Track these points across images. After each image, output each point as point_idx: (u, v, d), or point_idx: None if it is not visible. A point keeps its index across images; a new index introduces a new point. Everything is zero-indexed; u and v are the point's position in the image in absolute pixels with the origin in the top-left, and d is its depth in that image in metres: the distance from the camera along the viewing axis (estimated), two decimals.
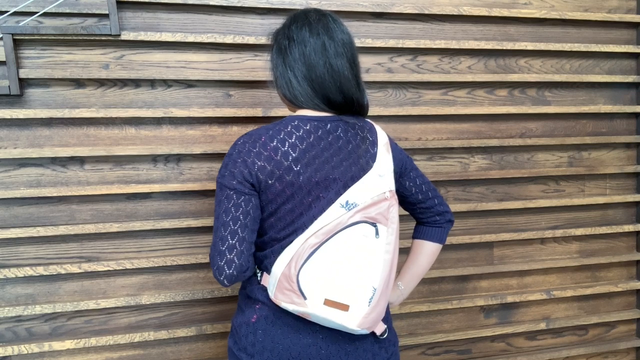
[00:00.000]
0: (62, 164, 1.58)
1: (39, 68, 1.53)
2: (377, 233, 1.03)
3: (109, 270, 1.62)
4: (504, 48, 1.83)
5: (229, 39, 1.62)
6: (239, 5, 1.61)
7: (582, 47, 1.90)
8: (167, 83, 1.62)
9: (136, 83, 1.60)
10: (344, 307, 0.99)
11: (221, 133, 1.67)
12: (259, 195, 1.04)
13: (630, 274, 2.10)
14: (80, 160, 1.59)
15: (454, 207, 1.82)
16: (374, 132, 1.12)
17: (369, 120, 1.15)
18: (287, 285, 1.00)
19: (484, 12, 1.80)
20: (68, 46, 1.55)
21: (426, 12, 1.75)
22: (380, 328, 1.10)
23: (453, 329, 1.94)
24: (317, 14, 1.08)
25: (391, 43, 1.73)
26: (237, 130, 1.67)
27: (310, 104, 1.07)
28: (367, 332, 1.04)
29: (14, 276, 1.54)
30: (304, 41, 1.04)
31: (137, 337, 1.64)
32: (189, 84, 1.64)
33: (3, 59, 1.47)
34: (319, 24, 1.06)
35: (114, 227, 1.58)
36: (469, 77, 1.81)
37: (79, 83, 1.57)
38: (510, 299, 1.94)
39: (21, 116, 1.50)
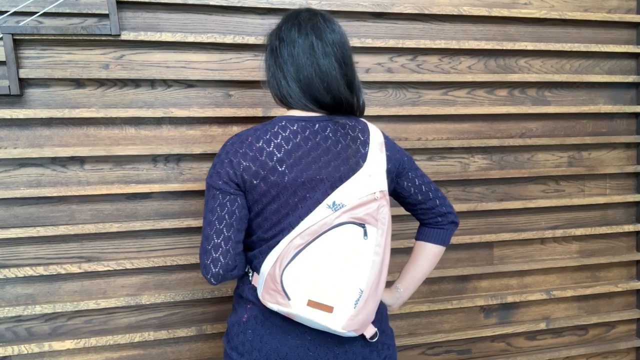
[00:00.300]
0: (62, 164, 1.58)
1: (39, 68, 1.53)
2: (365, 234, 1.01)
3: (109, 270, 1.62)
4: (504, 48, 1.83)
5: (229, 39, 1.62)
6: (239, 5, 1.62)
7: (582, 47, 1.90)
8: (167, 83, 1.62)
9: (136, 83, 1.60)
10: (328, 309, 0.99)
11: (221, 133, 1.67)
12: (245, 195, 1.05)
13: (630, 274, 2.10)
14: (80, 160, 1.59)
15: (454, 207, 1.82)
16: (365, 132, 1.10)
17: (363, 119, 1.14)
18: (272, 285, 1.01)
19: (484, 12, 1.80)
20: (68, 46, 1.55)
21: (426, 12, 1.75)
22: (370, 331, 1.08)
23: (453, 329, 1.94)
24: (307, 14, 1.08)
25: (391, 43, 1.73)
26: (237, 130, 1.67)
27: (300, 104, 1.07)
28: (356, 334, 1.03)
29: (14, 276, 1.54)
30: (292, 42, 1.05)
31: (137, 337, 1.64)
32: (189, 84, 1.64)
33: (3, 59, 1.47)
34: (308, 24, 1.06)
35: (114, 227, 1.58)
36: (469, 77, 1.81)
37: (79, 83, 1.57)
38: (510, 299, 1.94)
39: (21, 116, 1.50)
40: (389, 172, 1.11)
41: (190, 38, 1.58)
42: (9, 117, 1.49)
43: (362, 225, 1.01)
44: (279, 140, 1.04)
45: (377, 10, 1.72)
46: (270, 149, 1.03)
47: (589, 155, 2.00)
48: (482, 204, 1.88)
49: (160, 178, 1.64)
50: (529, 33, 1.89)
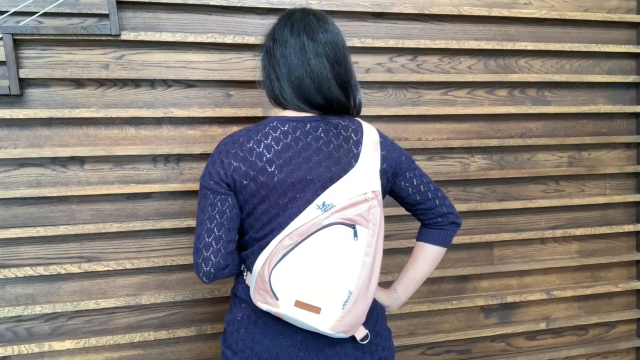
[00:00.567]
0: (62, 164, 1.58)
1: (39, 68, 1.53)
2: (355, 235, 1.01)
3: (109, 270, 1.62)
4: (504, 48, 1.83)
5: (229, 39, 1.62)
6: (239, 5, 1.62)
7: (582, 47, 1.90)
8: (167, 83, 1.62)
9: (136, 83, 1.60)
10: (315, 310, 0.99)
11: (221, 133, 1.67)
12: (236, 195, 1.06)
13: (630, 274, 2.10)
14: (80, 160, 1.59)
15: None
16: (359, 132, 1.09)
17: (358, 119, 1.13)
18: (262, 285, 1.01)
19: (484, 12, 1.80)
20: (68, 46, 1.55)
21: (426, 12, 1.75)
22: (360, 332, 1.07)
23: (453, 329, 1.94)
24: (300, 14, 1.09)
25: (391, 43, 1.73)
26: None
27: (293, 105, 1.07)
28: (345, 336, 1.02)
29: (14, 276, 1.54)
30: (285, 42, 1.06)
31: (137, 337, 1.64)
32: (189, 84, 1.64)
33: (3, 59, 1.47)
34: (301, 24, 1.06)
35: (114, 227, 1.58)
36: (469, 77, 1.81)
37: (79, 83, 1.57)
38: (510, 299, 1.94)
39: (21, 116, 1.50)
40: (384, 172, 1.10)
41: (190, 38, 1.58)
42: (9, 117, 1.49)
43: (352, 226, 1.01)
44: (269, 141, 1.04)
45: (377, 10, 1.72)
46: (260, 149, 1.03)
47: (589, 155, 2.00)
48: (482, 204, 1.88)
49: (160, 178, 1.64)
50: (529, 33, 1.89)
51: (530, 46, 1.85)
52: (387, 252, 1.83)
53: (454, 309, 1.92)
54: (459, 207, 1.83)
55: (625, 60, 2.00)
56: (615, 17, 1.93)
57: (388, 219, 1.82)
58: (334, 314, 0.99)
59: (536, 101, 1.93)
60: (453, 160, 1.87)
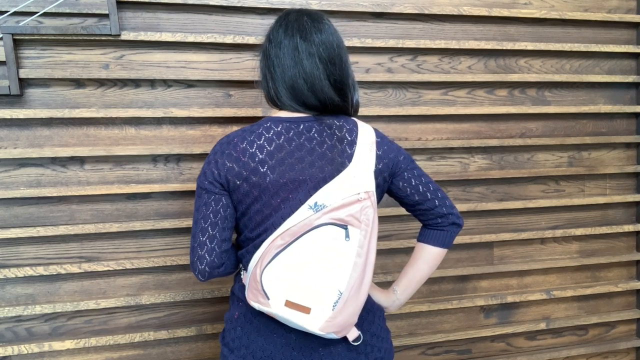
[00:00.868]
0: (62, 164, 1.58)
1: (39, 68, 1.53)
2: (347, 235, 1.00)
3: (109, 270, 1.62)
4: (504, 48, 1.83)
5: (229, 39, 1.62)
6: (239, 5, 1.62)
7: (582, 47, 1.90)
8: (167, 83, 1.62)
9: (136, 83, 1.60)
10: (305, 310, 0.99)
11: (221, 133, 1.67)
12: (230, 195, 1.07)
13: (630, 274, 2.10)
14: (80, 160, 1.59)
15: None
16: (354, 132, 1.09)
17: (354, 119, 1.13)
18: (254, 284, 1.02)
19: (484, 12, 1.80)
20: (68, 46, 1.55)
21: (426, 12, 1.75)
22: (352, 334, 1.06)
23: (453, 329, 1.94)
24: (295, 15, 1.09)
25: (391, 43, 1.73)
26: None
27: (287, 106, 1.08)
28: (337, 336, 1.02)
29: (14, 276, 1.54)
30: (279, 43, 1.07)
31: (137, 337, 1.64)
32: (189, 84, 1.64)
33: (3, 59, 1.47)
34: (295, 25, 1.07)
35: (114, 227, 1.58)
36: (469, 77, 1.81)
37: (79, 83, 1.57)
38: (510, 299, 1.94)
39: (21, 116, 1.50)
40: (379, 172, 1.09)
41: (190, 38, 1.58)
42: (9, 117, 1.49)
43: (344, 227, 1.00)
44: (261, 142, 1.05)
45: (377, 10, 1.72)
46: (253, 150, 1.04)
47: (589, 155, 2.00)
48: (482, 204, 1.88)
49: (160, 178, 1.64)
50: (529, 33, 1.89)
51: (530, 46, 1.85)
52: (387, 252, 1.83)
53: (454, 309, 1.92)
54: (459, 207, 1.83)
55: (625, 60, 2.00)
56: (615, 17, 1.93)
57: (388, 219, 1.82)
58: (324, 314, 0.99)
59: (536, 101, 1.93)
60: (453, 160, 1.87)
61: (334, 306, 0.99)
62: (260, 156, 1.04)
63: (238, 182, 1.04)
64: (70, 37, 1.51)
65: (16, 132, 1.54)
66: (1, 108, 1.51)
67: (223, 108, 1.65)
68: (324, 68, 1.05)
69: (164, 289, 1.68)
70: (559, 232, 1.96)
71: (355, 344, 1.08)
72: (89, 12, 1.53)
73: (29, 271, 1.55)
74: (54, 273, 1.56)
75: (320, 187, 1.03)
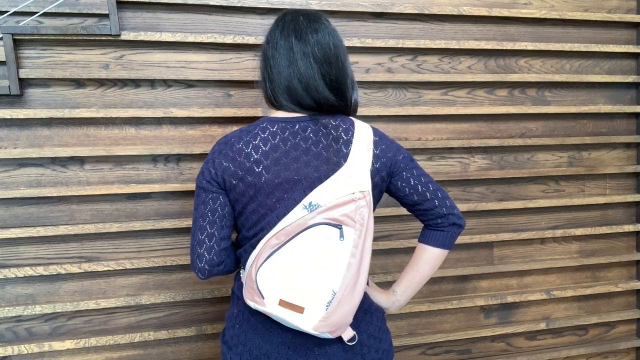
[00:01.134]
0: (62, 164, 1.58)
1: (39, 68, 1.53)
2: (341, 235, 1.00)
3: (109, 270, 1.62)
4: (504, 48, 1.83)
5: (229, 39, 1.62)
6: (239, 5, 1.62)
7: (582, 47, 1.90)
8: (167, 83, 1.62)
9: (136, 83, 1.60)
10: (299, 309, 0.99)
11: (221, 133, 1.67)
12: (227, 194, 1.08)
13: (630, 274, 2.10)
14: (80, 160, 1.59)
15: None
16: (350, 131, 1.08)
17: (352, 118, 1.12)
18: (250, 283, 1.03)
19: (484, 12, 1.80)
20: (68, 46, 1.55)
21: (426, 12, 1.75)
22: (347, 334, 1.06)
23: (453, 329, 1.94)
24: (292, 15, 1.10)
25: (391, 43, 1.73)
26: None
27: (283, 106, 1.09)
28: (331, 336, 1.02)
29: (14, 276, 1.54)
30: (275, 44, 1.08)
31: (137, 337, 1.64)
32: (189, 84, 1.64)
33: (3, 59, 1.47)
34: (290, 25, 1.08)
35: (114, 227, 1.58)
36: (469, 77, 1.81)
37: (79, 83, 1.57)
38: (510, 299, 1.94)
39: (21, 116, 1.50)
40: (376, 172, 1.08)
41: (190, 38, 1.58)
42: (9, 117, 1.49)
43: (339, 227, 1.00)
44: (257, 142, 1.06)
45: (377, 10, 1.72)
46: (249, 150, 1.05)
47: (589, 155, 2.00)
48: (482, 204, 1.88)
49: (160, 178, 1.64)
50: (529, 33, 1.89)
51: (530, 46, 1.85)
52: (387, 252, 1.83)
53: (454, 309, 1.92)
54: (459, 207, 1.82)
55: (625, 60, 2.00)
56: (615, 17, 1.93)
57: (388, 219, 1.82)
58: (318, 314, 0.99)
59: (536, 101, 1.93)
60: (453, 160, 1.87)
61: (327, 306, 0.99)
62: (256, 156, 1.04)
63: (234, 182, 1.05)
64: (70, 37, 1.51)
65: (16, 132, 1.54)
66: (1, 108, 1.51)
67: (223, 108, 1.65)
68: (318, 68, 1.05)
69: (164, 289, 1.68)
70: (559, 232, 1.96)
71: (350, 344, 1.07)
72: (89, 12, 1.53)
73: (29, 271, 1.55)
74: (54, 273, 1.56)
75: (315, 187, 1.03)
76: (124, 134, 1.61)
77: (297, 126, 1.07)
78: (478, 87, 1.86)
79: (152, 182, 1.64)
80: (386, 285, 1.76)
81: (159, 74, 1.58)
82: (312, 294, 0.99)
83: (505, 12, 1.82)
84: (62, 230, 1.55)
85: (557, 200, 1.95)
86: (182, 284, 1.69)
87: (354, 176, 1.03)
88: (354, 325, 1.08)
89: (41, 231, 1.54)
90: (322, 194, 1.01)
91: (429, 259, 1.17)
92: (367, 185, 1.04)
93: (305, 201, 1.01)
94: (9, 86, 1.47)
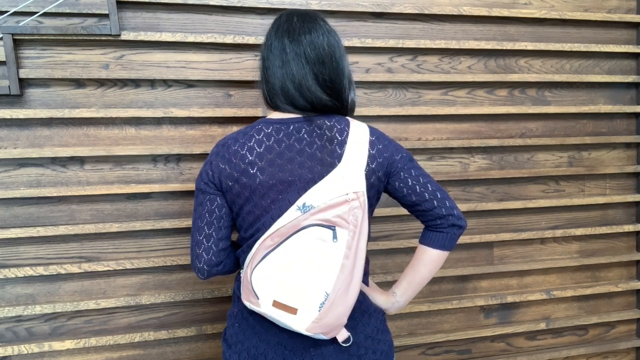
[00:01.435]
0: (62, 164, 1.58)
1: (39, 68, 1.53)
2: (335, 237, 0.99)
3: (109, 270, 1.62)
4: (504, 48, 1.83)
5: (229, 39, 1.62)
6: (239, 5, 1.62)
7: (582, 47, 1.90)
8: (167, 83, 1.62)
9: (136, 83, 1.60)
10: (292, 310, 1.00)
11: (221, 133, 1.67)
12: (224, 195, 1.09)
13: (630, 274, 2.10)
14: (80, 160, 1.59)
15: None
16: (344, 131, 1.07)
17: (348, 118, 1.11)
18: (246, 284, 1.04)
19: (484, 12, 1.80)
20: (68, 46, 1.55)
21: (426, 12, 1.75)
22: (342, 335, 1.05)
23: (453, 329, 1.94)
24: (287, 16, 1.11)
25: (391, 43, 1.73)
26: (238, 130, 1.67)
27: (279, 107, 1.09)
28: (325, 337, 1.02)
29: (14, 276, 1.54)
30: (270, 45, 1.09)
31: (137, 337, 1.64)
32: (189, 84, 1.64)
33: (3, 59, 1.47)
34: (284, 26, 1.08)
35: (114, 227, 1.58)
36: (469, 77, 1.81)
37: (79, 83, 1.57)
38: (510, 299, 1.94)
39: (21, 116, 1.50)
40: (372, 172, 1.07)
41: (190, 38, 1.58)
42: (9, 117, 1.49)
43: (332, 228, 0.99)
44: (252, 143, 1.06)
45: (377, 10, 1.72)
46: (244, 151, 1.06)
47: (589, 155, 2.00)
48: (482, 204, 1.88)
49: (160, 178, 1.64)
50: (529, 33, 1.89)
51: (530, 46, 1.85)
52: (387, 252, 1.83)
53: (454, 309, 1.92)
54: (459, 207, 1.82)
55: (625, 60, 2.00)
56: (615, 17, 1.93)
57: (388, 219, 1.82)
58: (310, 315, 0.99)
59: (536, 101, 1.93)
60: (453, 160, 1.87)
61: (320, 307, 0.99)
62: (250, 158, 1.05)
63: (230, 184, 1.06)
64: (70, 37, 1.51)
65: (16, 132, 1.54)
66: (1, 108, 1.51)
67: (223, 108, 1.65)
68: (310, 68, 1.06)
69: (164, 289, 1.68)
70: (559, 232, 1.96)
71: (345, 345, 1.07)
72: (89, 12, 1.53)
73: (29, 271, 1.55)
74: (54, 273, 1.56)
75: (309, 188, 1.02)
76: (124, 134, 1.61)
77: (292, 127, 1.07)
78: (478, 87, 1.86)
79: (152, 182, 1.64)
80: (386, 285, 1.76)
81: (159, 74, 1.58)
82: (305, 295, 1.00)
83: (505, 12, 1.82)
84: (62, 230, 1.55)
85: (557, 200, 1.95)
86: (182, 284, 1.69)
87: (347, 177, 1.03)
88: (350, 326, 1.08)
89: (41, 231, 1.54)
90: (316, 195, 1.01)
91: (428, 261, 1.15)
92: (361, 186, 1.03)
93: (299, 202, 1.01)
94: (9, 86, 1.47)
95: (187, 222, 1.63)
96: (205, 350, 1.74)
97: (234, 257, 1.16)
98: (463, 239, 1.86)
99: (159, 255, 1.66)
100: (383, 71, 1.78)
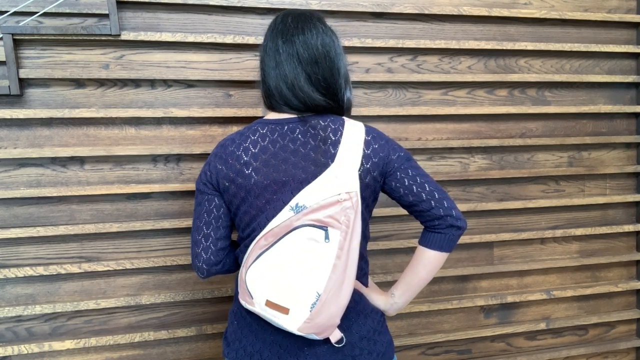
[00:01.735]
0: (62, 164, 1.58)
1: (39, 68, 1.53)
2: (326, 237, 0.99)
3: (109, 270, 1.62)
4: (504, 48, 1.83)
5: (229, 39, 1.62)
6: (239, 5, 1.62)
7: (582, 47, 1.90)
8: (167, 83, 1.62)
9: (136, 83, 1.60)
10: (284, 310, 1.00)
11: (221, 133, 1.67)
12: (222, 195, 1.10)
13: (630, 274, 2.10)
14: (80, 160, 1.59)
15: None
16: (338, 131, 1.06)
17: (344, 118, 1.10)
18: (241, 283, 1.06)
19: (484, 12, 1.80)
20: (68, 46, 1.55)
21: (426, 12, 1.75)
22: (335, 335, 1.05)
23: (453, 329, 1.94)
24: (283, 17, 1.11)
25: (391, 43, 1.73)
26: (237, 130, 1.67)
27: (274, 107, 1.10)
28: (318, 337, 1.02)
29: (14, 276, 1.54)
30: (266, 46, 1.10)
31: (137, 337, 1.64)
32: (189, 84, 1.64)
33: (3, 59, 1.47)
34: (279, 27, 1.09)
35: (114, 227, 1.58)
36: (469, 77, 1.81)
37: (79, 83, 1.57)
38: (510, 299, 1.94)
39: (21, 116, 1.50)
40: (367, 172, 1.06)
41: (190, 38, 1.58)
42: (9, 117, 1.49)
43: (324, 228, 0.99)
44: (247, 144, 1.07)
45: (377, 10, 1.72)
46: (239, 152, 1.07)
47: (589, 155, 2.00)
48: (482, 204, 1.88)
49: (160, 178, 1.64)
50: (529, 33, 1.89)
51: (530, 46, 1.85)
52: (387, 252, 1.83)
53: (454, 309, 1.92)
54: (459, 207, 1.82)
55: (625, 60, 2.00)
56: (615, 17, 1.93)
57: (388, 219, 1.82)
58: (302, 315, 0.99)
59: (536, 101, 1.93)
60: (453, 160, 1.87)
61: (311, 307, 0.99)
62: (245, 158, 1.06)
63: (227, 184, 1.07)
64: (70, 37, 1.51)
65: (16, 132, 1.54)
66: (1, 108, 1.51)
67: (223, 108, 1.65)
68: (302, 68, 1.06)
69: (164, 289, 1.68)
70: (559, 232, 1.96)
71: (338, 345, 1.07)
72: (89, 12, 1.53)
73: (29, 271, 1.54)
74: (54, 273, 1.56)
75: (303, 188, 1.02)
76: (124, 134, 1.61)
77: (286, 127, 1.08)
78: (478, 87, 1.86)
79: (152, 182, 1.64)
80: (386, 285, 1.76)
81: (159, 74, 1.58)
82: (297, 295, 1.00)
83: (505, 12, 1.82)
84: (62, 230, 1.55)
85: (557, 200, 1.95)
86: (182, 284, 1.69)
87: (340, 177, 1.02)
88: (345, 326, 1.08)
89: (41, 231, 1.54)
90: (308, 196, 1.01)
91: (426, 262, 1.12)
92: (354, 186, 1.02)
93: (292, 202, 1.01)
94: (9, 86, 1.47)
95: (187, 222, 1.63)
96: (205, 350, 1.74)
97: (233, 257, 1.17)
98: (463, 239, 1.86)
99: (159, 255, 1.66)
100: (383, 71, 1.78)
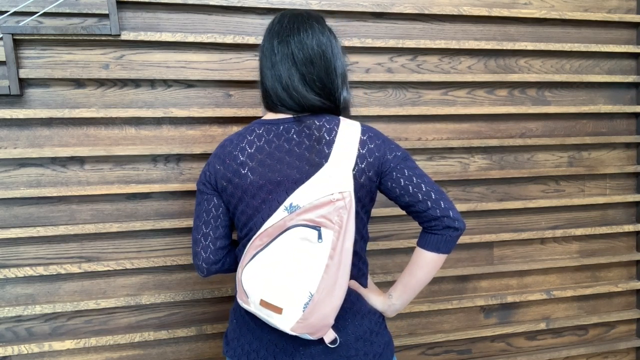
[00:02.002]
0: (62, 164, 1.58)
1: (39, 68, 1.53)
2: (319, 237, 0.98)
3: (109, 270, 1.62)
4: (504, 48, 1.83)
5: (229, 39, 1.62)
6: (239, 5, 1.62)
7: (582, 47, 1.90)
8: (167, 83, 1.62)
9: (136, 83, 1.60)
10: (277, 310, 1.00)
11: (221, 133, 1.67)
12: (220, 195, 1.11)
13: (630, 274, 2.10)
14: (80, 160, 1.59)
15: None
16: (333, 131, 1.06)
17: (340, 117, 1.10)
18: (238, 282, 1.06)
19: (484, 12, 1.80)
20: (68, 46, 1.55)
21: (426, 12, 1.75)
22: (329, 336, 1.04)
23: (453, 329, 1.94)
24: (280, 17, 1.12)
25: (391, 43, 1.73)
26: (237, 130, 1.67)
27: (271, 107, 1.11)
28: (311, 337, 1.02)
29: (14, 276, 1.54)
30: (263, 47, 1.11)
31: (137, 337, 1.64)
32: (189, 84, 1.64)
33: (3, 59, 1.47)
34: (276, 28, 1.10)
35: (114, 227, 1.58)
36: (469, 77, 1.81)
37: (79, 83, 1.57)
38: (510, 299, 1.94)
39: (21, 116, 1.50)
40: (362, 172, 1.05)
41: (190, 38, 1.58)
42: (9, 117, 1.49)
43: (317, 228, 0.98)
44: (244, 144, 1.08)
45: (377, 10, 1.72)
46: (236, 152, 1.08)
47: (589, 155, 2.00)
48: (482, 204, 1.88)
49: (160, 178, 1.64)
50: (529, 33, 1.89)
51: (530, 46, 1.85)
52: (387, 252, 1.83)
53: (454, 309, 1.92)
54: (459, 207, 1.83)
55: (625, 60, 2.00)
56: (615, 17, 1.93)
57: (388, 219, 1.82)
58: (295, 315, 0.99)
59: (536, 101, 1.93)
60: (453, 160, 1.87)
61: (304, 307, 0.99)
62: (242, 158, 1.07)
63: (224, 184, 1.08)
64: (70, 37, 1.51)
65: (16, 132, 1.54)
66: (1, 108, 1.51)
67: (223, 108, 1.65)
68: (297, 69, 1.06)
69: (164, 289, 1.68)
70: (559, 232, 1.96)
71: (332, 346, 1.06)
72: (89, 12, 1.53)
73: (29, 271, 1.54)
74: (54, 273, 1.56)
75: (297, 188, 1.02)
76: (124, 134, 1.61)
77: (282, 127, 1.08)
78: (478, 87, 1.86)
79: (152, 182, 1.64)
80: (386, 285, 1.76)
81: (159, 74, 1.58)
82: (290, 295, 1.00)
83: (505, 12, 1.82)
84: (62, 230, 1.55)
85: (557, 200, 1.95)
86: (182, 284, 1.69)
87: (334, 177, 1.01)
88: (340, 326, 1.08)
89: (41, 231, 1.54)
90: (302, 196, 1.01)
91: (423, 264, 1.10)
92: (347, 186, 1.01)
93: (287, 202, 1.01)
94: (9, 86, 1.47)
95: (187, 222, 1.63)
96: (205, 350, 1.74)
97: (234, 256, 1.18)
98: (463, 239, 1.86)
99: (159, 255, 1.66)
100: (383, 71, 1.78)
